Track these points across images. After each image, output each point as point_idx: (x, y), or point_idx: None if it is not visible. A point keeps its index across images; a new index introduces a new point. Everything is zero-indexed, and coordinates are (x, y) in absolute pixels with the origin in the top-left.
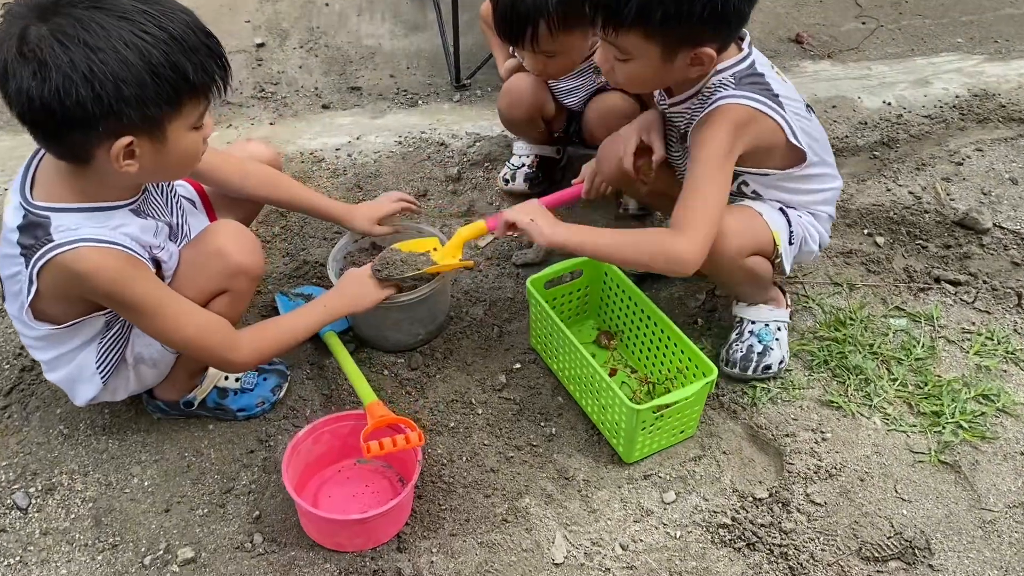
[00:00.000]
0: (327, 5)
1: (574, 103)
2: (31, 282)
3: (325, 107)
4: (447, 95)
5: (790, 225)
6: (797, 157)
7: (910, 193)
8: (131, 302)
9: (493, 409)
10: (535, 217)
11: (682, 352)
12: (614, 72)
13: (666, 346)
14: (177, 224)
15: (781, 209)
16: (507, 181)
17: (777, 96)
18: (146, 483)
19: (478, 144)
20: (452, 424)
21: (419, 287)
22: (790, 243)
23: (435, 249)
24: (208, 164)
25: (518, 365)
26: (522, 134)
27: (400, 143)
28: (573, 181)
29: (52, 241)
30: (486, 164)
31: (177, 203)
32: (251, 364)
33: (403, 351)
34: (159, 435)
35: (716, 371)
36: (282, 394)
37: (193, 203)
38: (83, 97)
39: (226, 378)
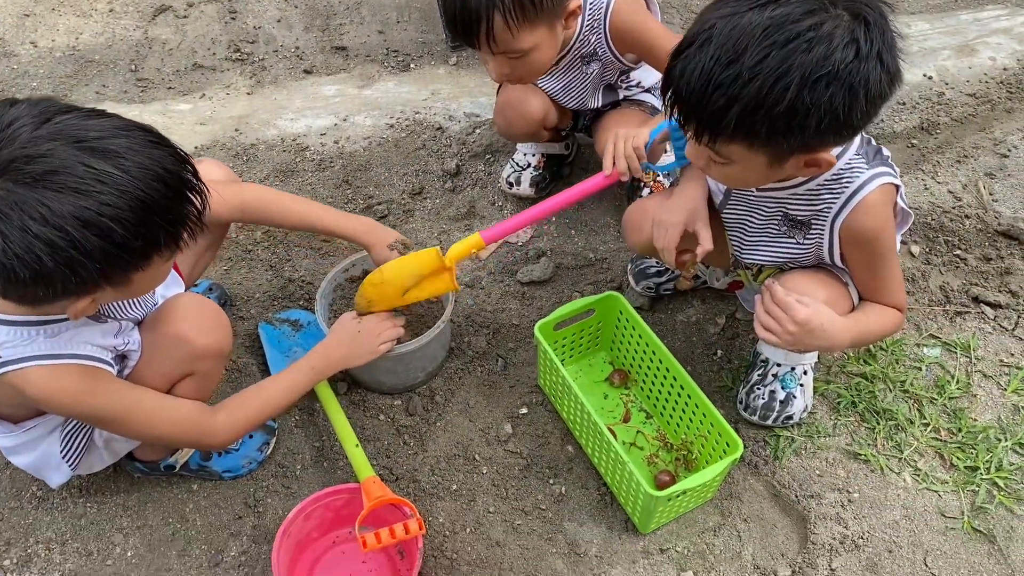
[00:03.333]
0: None
1: (576, 102)
2: None
3: (307, 72)
4: (442, 56)
5: None
6: (902, 219)
7: (950, 192)
8: (94, 416)
9: (498, 465)
10: (825, 322)
11: (704, 415)
12: (710, 169)
13: (688, 406)
14: (145, 313)
15: None
16: (511, 184)
17: (888, 158)
18: (129, 553)
19: (478, 131)
20: (455, 487)
21: (421, 334)
22: None
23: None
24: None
25: (524, 410)
26: (526, 141)
27: (392, 126)
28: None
29: None
30: (487, 156)
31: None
32: (231, 442)
33: (401, 392)
34: (140, 496)
35: (741, 447)
36: (270, 451)
37: None
38: (46, 269)
39: None
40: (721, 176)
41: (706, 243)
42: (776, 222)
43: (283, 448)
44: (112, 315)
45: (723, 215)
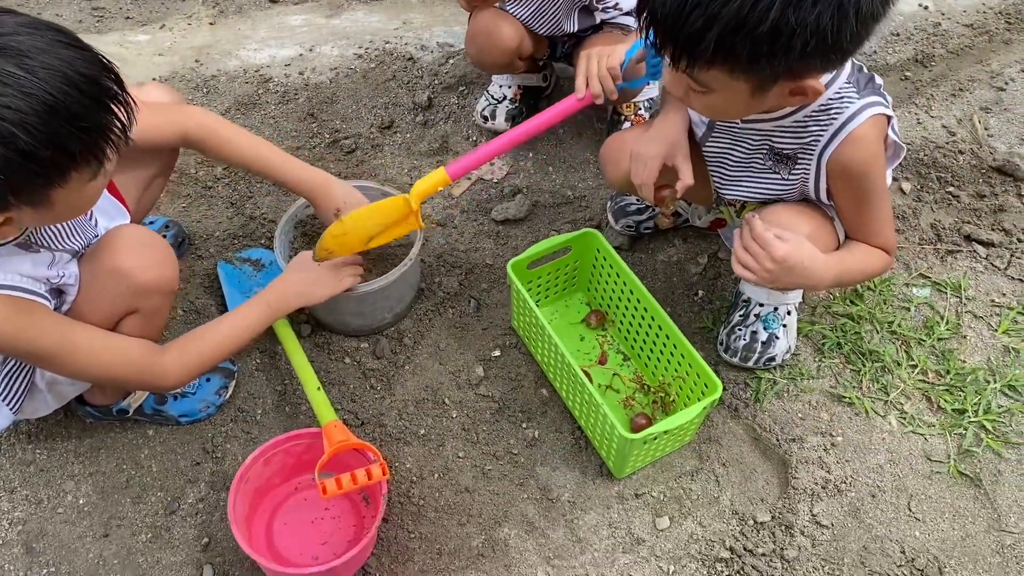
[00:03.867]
0: None
1: (549, 28)
2: None
3: (273, 1)
4: None
5: None
6: (894, 153)
7: (944, 127)
8: (28, 352)
9: (469, 409)
10: (806, 258)
11: (682, 356)
12: (689, 99)
13: (665, 346)
14: (85, 245)
15: None
16: (486, 118)
17: (880, 87)
18: (81, 501)
19: (451, 61)
20: (423, 431)
21: (388, 273)
22: None
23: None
24: (141, 133)
25: (497, 352)
26: (501, 73)
27: (360, 56)
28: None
29: None
30: (461, 88)
31: (90, 220)
32: (183, 383)
33: (367, 335)
34: (93, 442)
35: (720, 388)
36: (229, 394)
37: None
38: None
39: None
40: (701, 107)
41: (686, 177)
42: (761, 156)
43: (243, 392)
44: (44, 244)
45: (704, 148)
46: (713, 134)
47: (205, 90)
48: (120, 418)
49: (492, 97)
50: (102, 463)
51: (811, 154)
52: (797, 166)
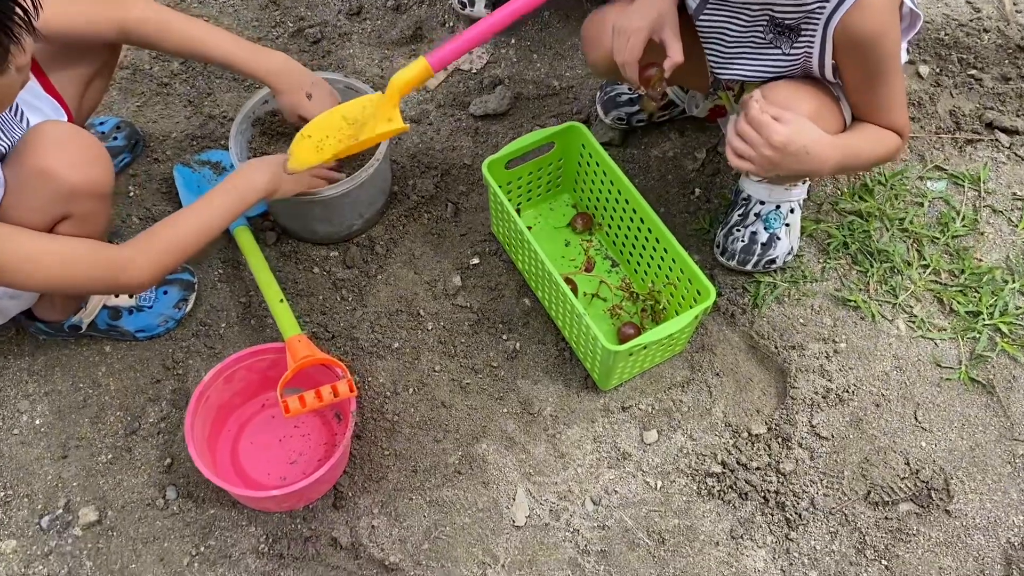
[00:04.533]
0: None
1: None
2: None
3: None
4: None
5: None
6: (909, 23)
7: (967, 2)
8: None
9: (445, 321)
10: (808, 142)
11: (673, 261)
12: None
13: (656, 250)
14: (11, 147)
15: None
16: (464, 4)
17: None
18: (37, 421)
19: None
20: (397, 344)
21: (356, 173)
22: None
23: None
24: (69, 26)
25: (476, 260)
26: None
27: None
28: None
29: None
30: None
31: (17, 116)
32: (150, 283)
33: (337, 242)
34: (47, 360)
35: (714, 294)
36: (189, 307)
37: None
38: None
39: (116, 295)
40: None
41: (675, 54)
42: (760, 29)
43: (205, 305)
44: None
45: (698, 23)
46: (708, 6)
47: None
48: (73, 335)
49: None
50: (57, 382)
51: (816, 23)
52: (800, 38)
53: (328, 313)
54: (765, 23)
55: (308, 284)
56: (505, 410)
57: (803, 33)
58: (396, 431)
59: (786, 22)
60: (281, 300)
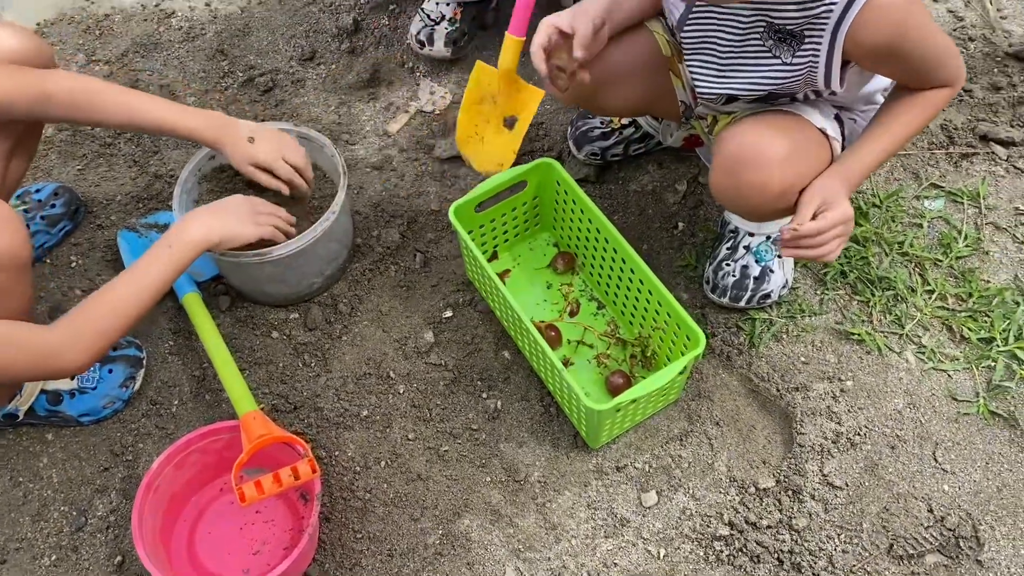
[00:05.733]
0: None
1: None
2: None
3: None
4: None
5: (843, 137)
6: None
7: (949, 11)
8: None
9: (418, 382)
10: (831, 194)
11: (659, 304)
12: None
13: (640, 292)
14: None
15: (837, 116)
16: (422, 43)
17: None
18: None
19: None
20: (365, 412)
21: (312, 225)
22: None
23: None
24: None
25: (449, 312)
26: None
27: None
28: None
29: None
30: (392, 7)
31: None
32: (86, 364)
33: (296, 303)
34: None
35: (704, 341)
36: (137, 386)
37: None
38: None
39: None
40: None
41: (579, 34)
42: (757, 36)
43: (155, 381)
44: None
45: (683, 35)
46: (693, 15)
47: (97, 32)
48: (10, 424)
49: (428, 17)
50: None
51: (821, 29)
52: (804, 46)
53: (289, 382)
54: (762, 29)
55: (266, 351)
56: (488, 479)
57: (807, 40)
58: (369, 510)
59: (787, 27)
60: (234, 372)
